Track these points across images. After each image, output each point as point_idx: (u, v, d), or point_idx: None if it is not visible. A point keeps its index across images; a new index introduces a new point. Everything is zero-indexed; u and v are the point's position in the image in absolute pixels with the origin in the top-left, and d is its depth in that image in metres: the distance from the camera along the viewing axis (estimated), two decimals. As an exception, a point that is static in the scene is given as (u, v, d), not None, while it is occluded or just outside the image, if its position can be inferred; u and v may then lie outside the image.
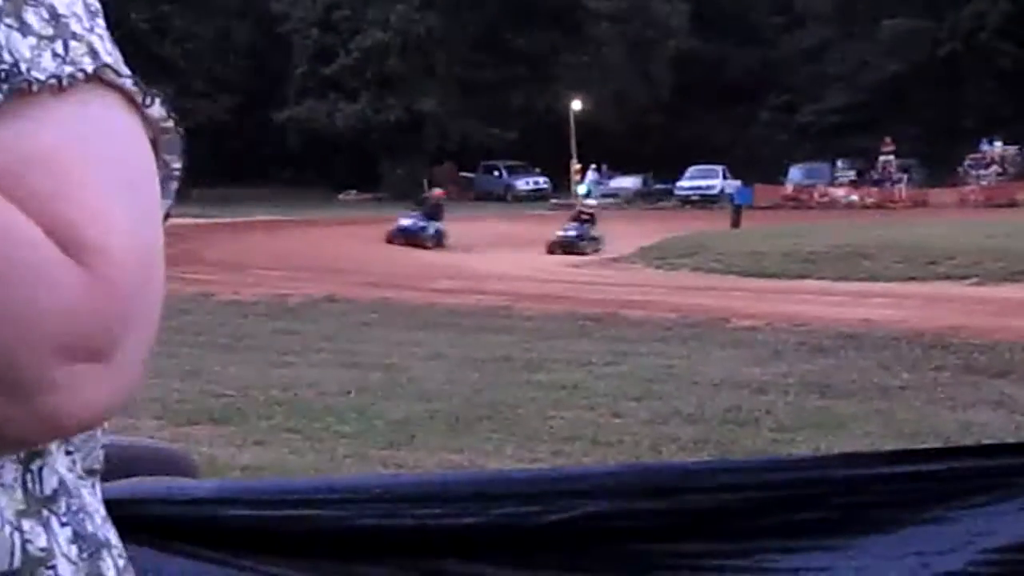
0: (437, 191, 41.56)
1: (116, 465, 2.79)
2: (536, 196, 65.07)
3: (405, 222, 38.22)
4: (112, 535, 0.97)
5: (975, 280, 23.35)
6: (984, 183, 58.10)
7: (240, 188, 64.15)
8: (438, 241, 37.24)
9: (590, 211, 38.00)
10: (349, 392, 11.28)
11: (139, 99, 0.89)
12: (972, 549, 2.48)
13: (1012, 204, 52.26)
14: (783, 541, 2.49)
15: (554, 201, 62.39)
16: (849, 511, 2.53)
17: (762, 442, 8.61)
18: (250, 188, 63.72)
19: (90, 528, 0.95)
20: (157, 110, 0.91)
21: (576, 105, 63.80)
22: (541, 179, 67.08)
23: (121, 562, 0.97)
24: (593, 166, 63.46)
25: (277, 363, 13.09)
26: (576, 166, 61.63)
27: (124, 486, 2.43)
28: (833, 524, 2.51)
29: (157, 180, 0.91)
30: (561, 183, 63.43)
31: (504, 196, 63.41)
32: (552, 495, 2.51)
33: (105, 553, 0.96)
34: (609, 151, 63.11)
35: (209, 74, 70.94)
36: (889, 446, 5.59)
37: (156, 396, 11.02)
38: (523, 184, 67.50)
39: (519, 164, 68.53)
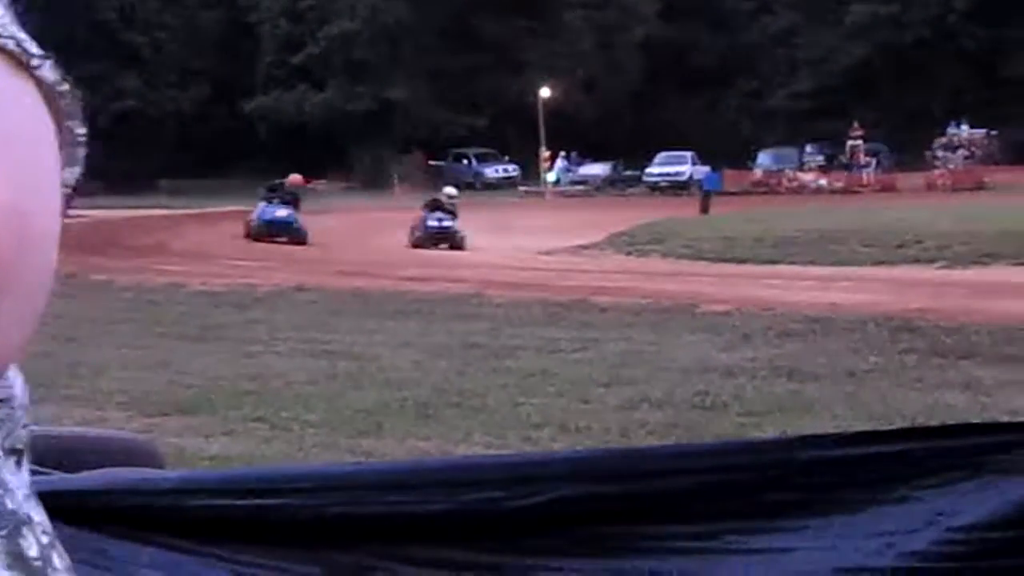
0: (295, 176, 37.57)
1: (84, 457, 2.78)
2: (506, 184, 65.06)
3: (279, 213, 34.06)
4: (36, 513, 0.96)
5: (943, 263, 23.45)
6: (952, 167, 58.29)
7: (209, 178, 64.02)
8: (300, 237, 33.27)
9: (452, 202, 34.27)
10: (318, 381, 11.27)
11: (24, 60, 0.85)
12: (936, 528, 2.50)
13: (980, 187, 52.47)
14: (748, 522, 2.50)
15: (523, 189, 62.42)
16: (814, 492, 2.54)
17: (730, 426, 8.62)
18: (219, 178, 63.55)
19: (10, 505, 0.93)
20: (49, 72, 0.88)
21: (545, 92, 63.80)
22: (511, 167, 67.05)
23: (45, 539, 0.96)
24: (562, 153, 63.50)
25: (246, 353, 13.07)
26: (545, 153, 61.68)
27: (93, 477, 2.43)
28: (798, 505, 2.52)
29: (48, 145, 0.88)
30: (531, 170, 63.45)
31: (473, 184, 63.35)
32: (518, 480, 2.51)
33: (26, 530, 0.94)
34: (578, 138, 63.13)
35: (177, 64, 70.74)
36: (856, 428, 5.61)
37: (125, 387, 11.01)
38: (492, 172, 67.45)
39: (488, 152, 68.50)
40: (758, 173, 60.09)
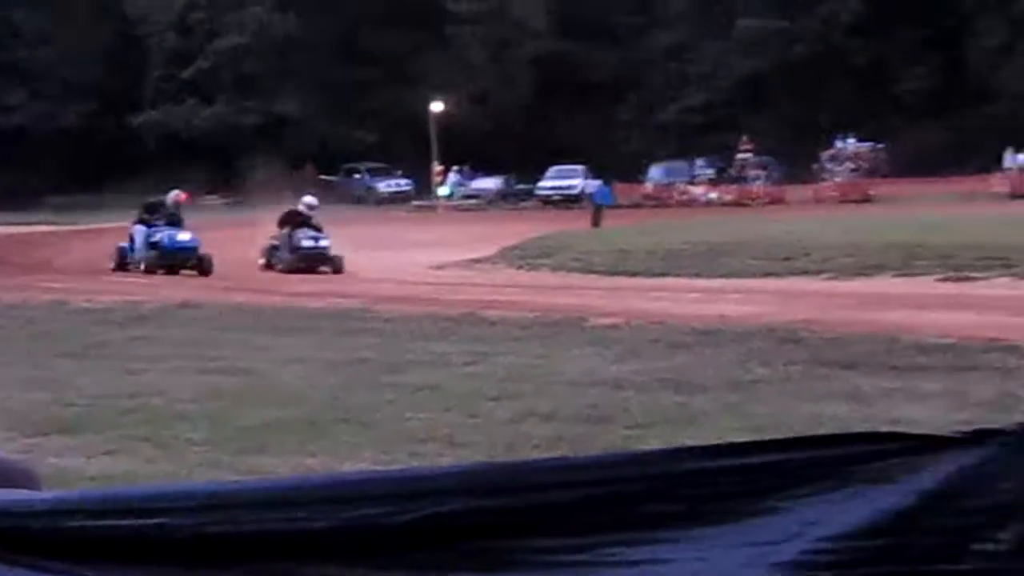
0: (177, 193, 32.41)
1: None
2: (399, 198, 64.91)
3: (182, 236, 29.78)
4: None
5: (829, 275, 23.73)
6: (839, 180, 59.05)
7: (97, 194, 63.18)
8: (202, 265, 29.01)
9: (313, 213, 30.70)
10: (203, 398, 11.14)
11: None
12: (805, 538, 2.50)
13: (866, 200, 53.21)
14: (628, 534, 2.49)
15: (416, 203, 62.32)
16: (692, 504, 2.53)
17: (617, 439, 8.63)
18: (107, 194, 62.69)
19: None
20: None
21: (437, 106, 63.78)
22: (403, 181, 66.92)
23: None
24: (455, 167, 63.49)
25: (130, 371, 12.89)
26: (438, 167, 61.66)
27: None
28: (678, 517, 2.52)
29: None
30: (424, 185, 63.36)
31: (366, 198, 63.15)
32: (401, 496, 2.48)
33: None
34: (471, 152, 63.15)
35: (64, 79, 69.86)
36: (740, 439, 5.62)
37: (5, 407, 10.80)
38: (385, 186, 67.28)
39: (381, 166, 68.34)
40: (649, 187, 60.49)
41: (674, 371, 11.05)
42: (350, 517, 2.41)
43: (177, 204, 31.82)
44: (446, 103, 64.30)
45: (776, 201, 55.10)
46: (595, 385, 10.62)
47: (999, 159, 57.56)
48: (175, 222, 30.54)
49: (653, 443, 8.22)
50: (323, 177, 67.24)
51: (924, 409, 8.20)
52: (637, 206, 54.56)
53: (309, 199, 31.48)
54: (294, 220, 29.98)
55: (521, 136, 67.69)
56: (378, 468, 7.64)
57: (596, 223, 42.99)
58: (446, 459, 8.34)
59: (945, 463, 2.52)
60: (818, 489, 2.55)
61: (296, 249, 29.21)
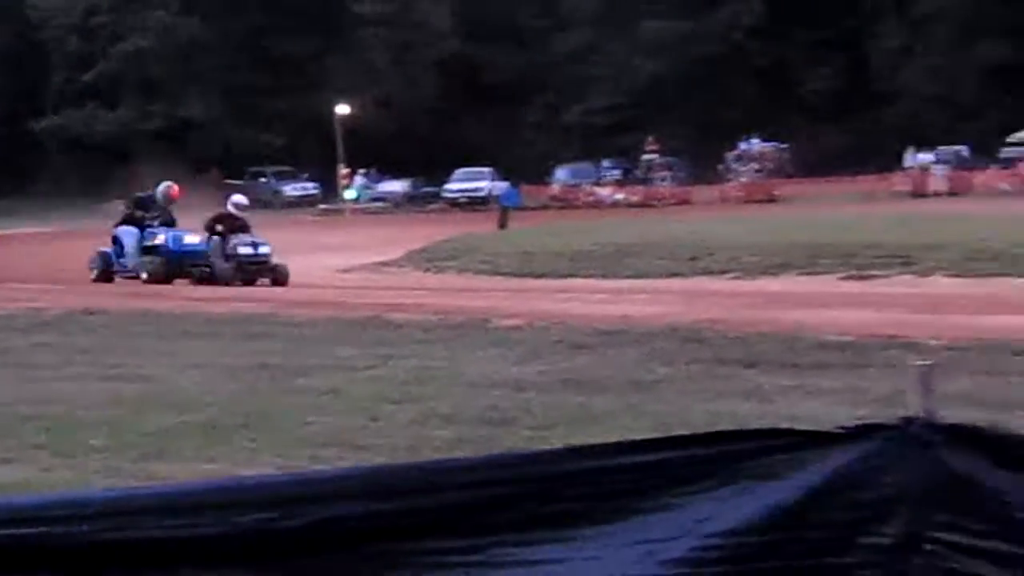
0: (169, 186, 27.57)
1: None
2: (305, 201, 64.57)
3: (189, 239, 25.87)
4: None
5: (734, 275, 23.87)
6: (744, 180, 59.47)
7: (-3, 200, 62.31)
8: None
9: (244, 215, 26.52)
10: (103, 405, 11.00)
11: None
12: (695, 534, 2.52)
13: (771, 200, 53.61)
14: (524, 534, 2.50)
15: (323, 207, 62.01)
16: (587, 502, 2.54)
17: (519, 440, 8.62)
18: (8, 200, 61.86)
19: None
20: None
21: (342, 109, 63.50)
22: (310, 184, 66.61)
23: None
24: (362, 170, 63.24)
25: (30, 378, 12.71)
26: (344, 171, 61.37)
27: None
28: (572, 516, 2.53)
29: None
30: (330, 188, 63.06)
31: (272, 202, 62.77)
32: (291, 501, 2.46)
33: None
34: (377, 155, 62.96)
35: (-37, 84, 69.00)
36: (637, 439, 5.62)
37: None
38: (291, 190, 66.92)
39: (287, 170, 67.97)
40: (556, 188, 60.61)
41: (576, 371, 11.08)
42: (237, 523, 2.40)
43: (169, 199, 27.12)
44: (352, 106, 64.05)
45: (682, 202, 55.40)
46: (497, 386, 10.62)
47: (899, 158, 58.28)
48: (169, 222, 26.49)
49: (556, 444, 8.22)
50: (228, 181, 66.72)
51: (822, 406, 8.28)
52: (544, 208, 54.65)
53: (239, 198, 27.17)
54: (227, 224, 25.68)
55: (427, 138, 67.62)
56: (273, 473, 7.58)
57: (503, 225, 42.99)
58: (347, 463, 8.29)
59: (831, 458, 2.55)
60: (708, 486, 2.58)
61: (231, 257, 25.09)
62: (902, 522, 2.45)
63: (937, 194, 52.27)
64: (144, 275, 25.36)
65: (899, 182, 54.90)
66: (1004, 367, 10.55)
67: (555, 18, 72.36)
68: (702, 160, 61.08)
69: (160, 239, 25.89)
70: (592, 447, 2.66)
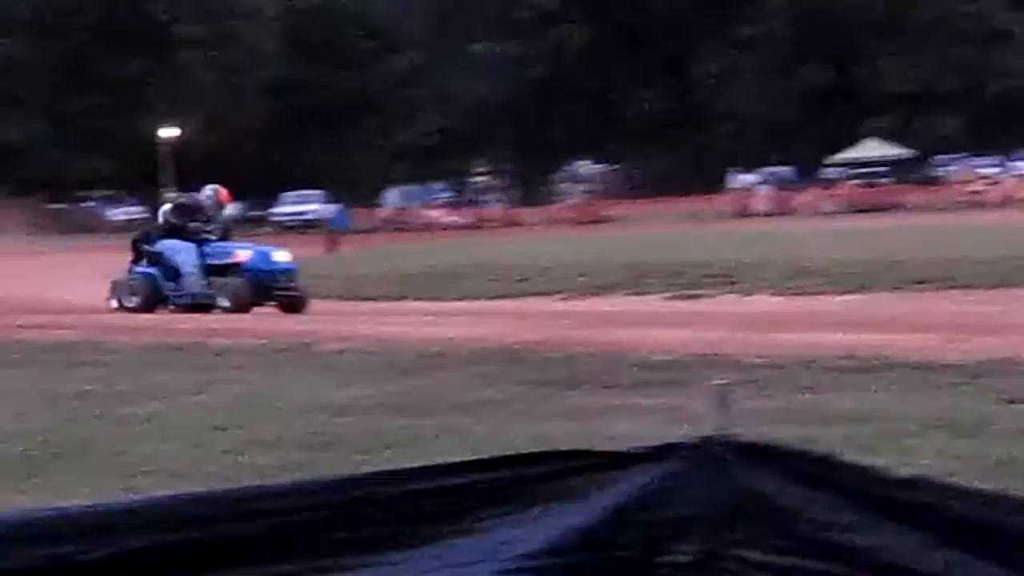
0: (216, 189, 23.13)
1: None
2: (132, 226, 63.65)
3: (277, 257, 22.23)
4: None
5: (563, 295, 24.03)
6: (574, 201, 60.08)
7: None
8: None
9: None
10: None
11: None
12: (499, 558, 2.48)
13: (600, 221, 54.25)
14: (334, 560, 2.44)
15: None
16: (392, 527, 2.49)
17: (341, 465, 8.53)
18: None
19: None
20: None
21: (167, 132, 62.75)
22: (136, 208, 65.64)
23: None
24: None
25: None
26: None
27: None
28: (379, 541, 2.47)
29: None
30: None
31: (98, 227, 61.78)
32: (89, 532, 2.37)
33: None
34: (205, 178, 62.23)
35: None
36: (446, 462, 5.59)
37: None
38: (118, 214, 65.89)
39: (112, 194, 66.96)
40: (387, 211, 60.61)
41: (400, 395, 11.02)
42: (40, 556, 2.30)
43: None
44: (179, 128, 63.34)
45: (512, 223, 55.84)
46: (321, 411, 10.51)
47: (723, 179, 59.38)
48: (226, 235, 22.68)
49: (376, 468, 8.13)
50: (52, 206, 65.55)
51: (642, 425, 8.33)
52: (375, 230, 54.61)
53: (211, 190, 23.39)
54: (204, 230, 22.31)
55: (256, 161, 67.09)
56: (71, 504, 7.39)
57: (332, 248, 42.84)
58: (165, 490, 8.12)
59: (629, 479, 2.54)
60: (510, 509, 2.55)
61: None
62: (700, 540, 2.45)
63: (761, 214, 53.31)
64: (224, 302, 21.24)
65: (724, 202, 55.92)
66: (822, 383, 10.73)
67: (385, 40, 72.43)
68: (532, 182, 61.59)
69: (243, 256, 21.88)
70: (400, 471, 2.62)
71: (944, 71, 68.18)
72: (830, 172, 65.57)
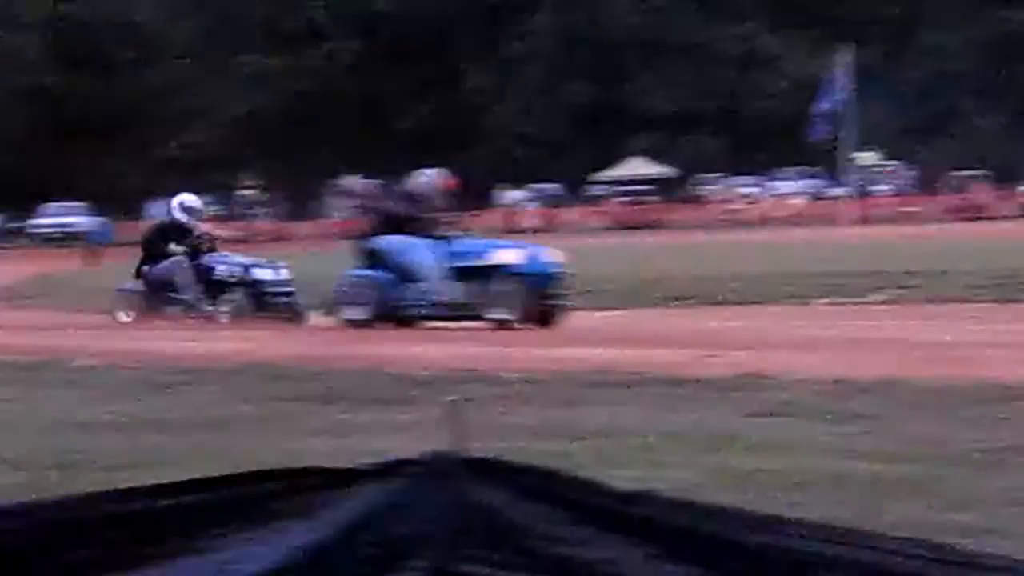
0: (194, 198, 23.09)
1: None
2: None
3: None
4: None
5: (326, 309, 23.81)
6: (342, 216, 59.95)
7: None
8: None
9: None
10: None
11: None
12: (223, 577, 2.43)
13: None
14: None
15: None
16: (119, 548, 2.42)
17: (90, 483, 8.29)
18: None
19: None
20: None
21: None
22: None
23: None
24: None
25: None
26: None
27: None
28: (104, 563, 2.40)
29: None
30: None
31: None
32: None
33: None
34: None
35: None
36: (182, 480, 5.48)
37: None
38: None
39: None
40: (153, 223, 59.61)
41: (154, 411, 10.81)
42: None
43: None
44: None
45: (282, 238, 55.43)
46: (71, 428, 10.23)
47: (490, 195, 59.89)
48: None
49: (124, 486, 7.93)
50: None
51: (400, 440, 8.28)
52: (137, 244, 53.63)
53: (189, 199, 22.69)
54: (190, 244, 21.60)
55: (14, 173, 65.39)
56: None
57: (93, 261, 41.98)
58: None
59: (360, 495, 2.51)
60: (238, 527, 2.49)
61: (253, 286, 21.06)
62: (430, 557, 2.43)
63: (529, 231, 53.86)
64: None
65: (492, 218, 56.36)
66: (577, 398, 10.86)
67: (150, 50, 71.29)
68: (300, 196, 61.22)
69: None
70: (130, 490, 2.56)
71: (705, 92, 69.80)
72: (597, 189, 66.67)
